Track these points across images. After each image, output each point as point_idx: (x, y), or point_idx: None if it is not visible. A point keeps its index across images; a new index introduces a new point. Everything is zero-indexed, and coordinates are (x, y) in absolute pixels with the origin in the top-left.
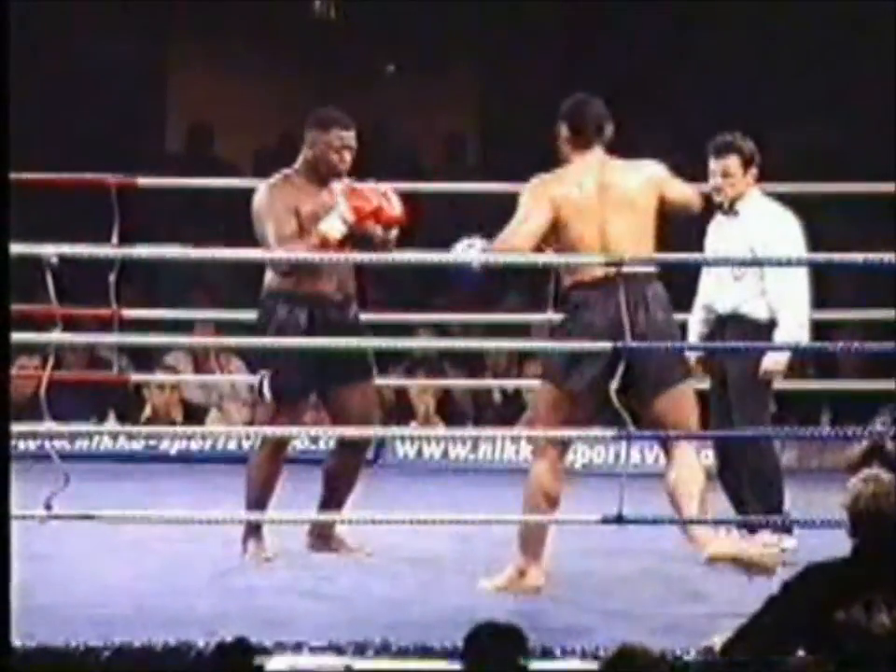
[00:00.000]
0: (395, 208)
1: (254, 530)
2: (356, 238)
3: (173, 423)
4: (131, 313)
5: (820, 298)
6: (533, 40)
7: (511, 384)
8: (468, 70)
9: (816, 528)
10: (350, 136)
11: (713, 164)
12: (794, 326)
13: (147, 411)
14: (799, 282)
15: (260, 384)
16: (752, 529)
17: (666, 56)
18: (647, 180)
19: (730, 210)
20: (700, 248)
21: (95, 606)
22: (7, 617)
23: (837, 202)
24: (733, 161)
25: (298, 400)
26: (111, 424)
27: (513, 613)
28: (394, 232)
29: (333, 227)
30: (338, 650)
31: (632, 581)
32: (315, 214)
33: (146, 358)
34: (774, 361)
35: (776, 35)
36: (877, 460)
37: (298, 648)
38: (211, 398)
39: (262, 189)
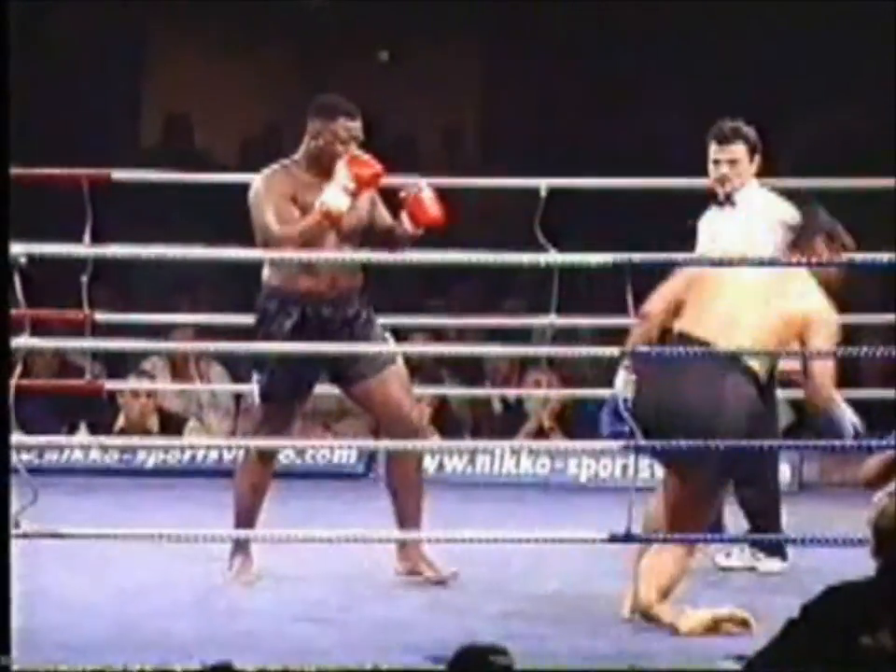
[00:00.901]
0: (427, 210)
1: (241, 547)
2: (369, 234)
3: (148, 433)
4: (104, 316)
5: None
6: (535, 25)
7: (511, 392)
8: (465, 59)
9: (838, 546)
10: (357, 127)
11: (717, 153)
12: None
13: (121, 420)
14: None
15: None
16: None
17: (682, 38)
18: None
19: (727, 202)
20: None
21: (66, 628)
22: (6, 626)
23: (864, 196)
24: (740, 149)
25: (285, 402)
26: (83, 435)
27: (516, 637)
28: (419, 231)
29: (336, 197)
30: None
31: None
32: (311, 204)
33: (120, 365)
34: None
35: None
36: None
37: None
38: (190, 407)
39: (258, 180)
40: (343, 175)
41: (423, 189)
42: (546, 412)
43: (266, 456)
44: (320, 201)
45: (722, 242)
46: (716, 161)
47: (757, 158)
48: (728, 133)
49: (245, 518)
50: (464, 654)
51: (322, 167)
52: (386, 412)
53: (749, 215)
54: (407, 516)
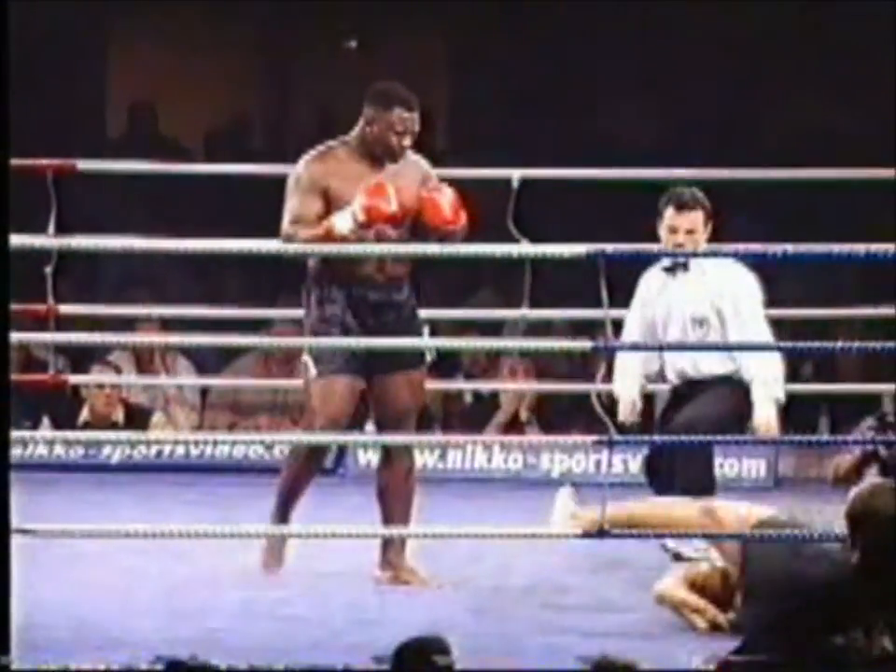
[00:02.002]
0: (441, 212)
1: (279, 541)
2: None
3: (114, 425)
4: (68, 309)
5: (819, 293)
6: (502, 11)
7: (485, 386)
8: (432, 45)
9: (814, 541)
10: (414, 119)
11: (676, 219)
12: (772, 380)
13: (85, 413)
14: (767, 335)
15: (305, 368)
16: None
17: (649, 30)
18: None
19: (679, 267)
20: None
21: (29, 627)
22: (6, 626)
23: (838, 187)
24: (698, 217)
25: (343, 373)
26: (46, 429)
27: (488, 634)
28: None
29: (342, 221)
30: None
31: (615, 598)
32: (349, 195)
33: (85, 359)
34: (767, 419)
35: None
36: (872, 469)
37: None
38: (156, 401)
39: (300, 164)
40: (358, 203)
41: (441, 190)
42: (523, 403)
43: (314, 454)
44: (329, 219)
45: (681, 303)
46: (673, 229)
47: (710, 224)
48: (688, 200)
49: (281, 515)
50: (405, 651)
51: (373, 155)
52: (390, 414)
53: (707, 275)
54: (393, 523)
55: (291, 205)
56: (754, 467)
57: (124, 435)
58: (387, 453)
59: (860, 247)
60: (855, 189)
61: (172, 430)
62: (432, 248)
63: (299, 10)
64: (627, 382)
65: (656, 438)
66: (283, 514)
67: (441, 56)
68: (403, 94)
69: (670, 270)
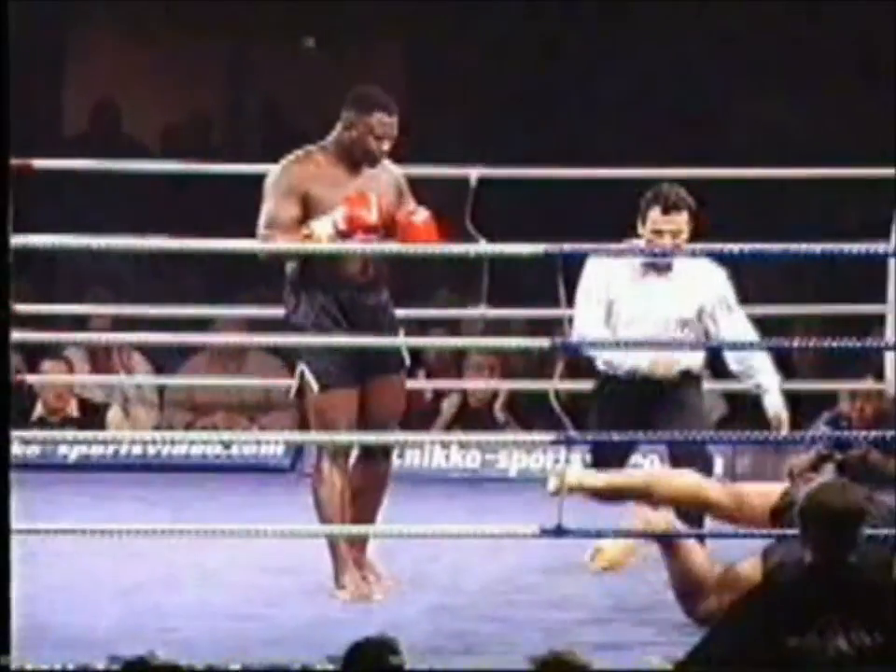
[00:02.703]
0: (419, 236)
1: (343, 565)
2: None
3: (68, 420)
4: (25, 308)
5: (774, 291)
6: (460, 11)
7: (443, 384)
8: (390, 43)
9: (772, 539)
10: (393, 124)
11: (662, 223)
12: (772, 367)
13: (39, 409)
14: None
15: (301, 377)
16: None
17: (613, 32)
18: None
19: (660, 266)
20: None
21: None
22: (6, 626)
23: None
24: (684, 218)
25: (344, 386)
26: None
27: (448, 634)
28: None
29: (322, 228)
30: None
31: (572, 595)
32: (328, 200)
33: (38, 355)
34: (781, 409)
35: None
36: (827, 468)
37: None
38: (112, 396)
39: (276, 167)
40: (340, 212)
41: (418, 214)
42: (497, 403)
43: (339, 452)
44: (309, 224)
45: (664, 304)
46: (658, 231)
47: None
48: (675, 201)
49: (339, 520)
50: (356, 652)
51: (351, 158)
52: (378, 419)
53: (691, 274)
54: (363, 519)
55: (268, 208)
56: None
57: (81, 433)
58: (366, 454)
59: (816, 246)
60: (812, 187)
61: (129, 426)
62: (392, 248)
63: (258, 8)
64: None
65: (614, 435)
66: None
67: (398, 55)
68: (384, 99)
69: (648, 268)
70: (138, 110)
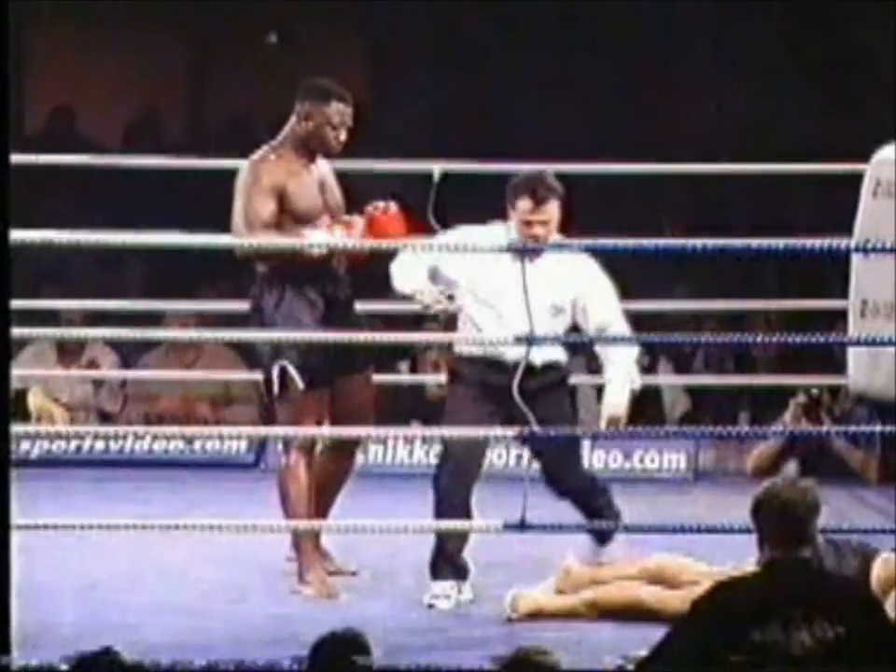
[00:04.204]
0: (384, 231)
1: (308, 560)
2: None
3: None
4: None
5: (737, 287)
6: (423, 7)
7: (407, 379)
8: (353, 39)
9: (734, 534)
10: (349, 113)
11: (531, 213)
12: (632, 362)
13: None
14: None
15: (281, 374)
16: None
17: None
18: None
19: (531, 253)
20: None
21: None
22: (6, 626)
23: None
24: (554, 208)
25: (325, 387)
26: None
27: (413, 630)
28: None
29: (318, 240)
30: None
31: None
32: (302, 194)
33: None
34: (616, 406)
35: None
36: (791, 459)
37: (172, 669)
38: (88, 396)
39: (247, 166)
40: (339, 233)
41: (388, 208)
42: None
43: (307, 448)
44: (307, 233)
45: (535, 291)
46: (527, 222)
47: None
48: (544, 193)
49: (307, 517)
50: (322, 649)
51: (309, 150)
52: (353, 413)
53: (561, 263)
54: (320, 512)
55: (247, 206)
56: (674, 460)
57: (44, 429)
58: (333, 450)
59: (778, 242)
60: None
61: (54, 410)
62: (368, 244)
63: (220, 4)
64: (413, 282)
65: (581, 430)
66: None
67: (361, 52)
68: (339, 89)
69: (521, 255)
70: (101, 110)
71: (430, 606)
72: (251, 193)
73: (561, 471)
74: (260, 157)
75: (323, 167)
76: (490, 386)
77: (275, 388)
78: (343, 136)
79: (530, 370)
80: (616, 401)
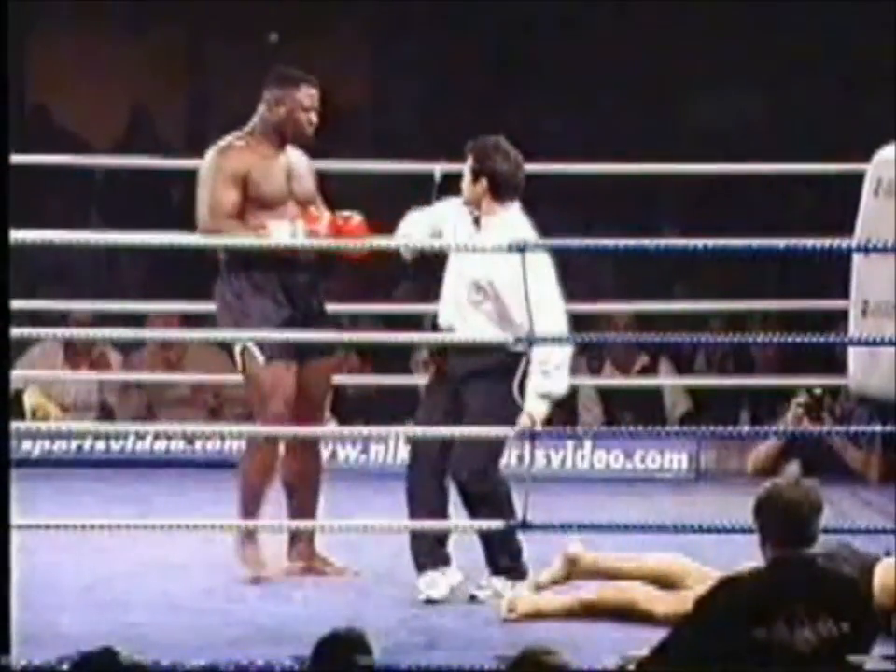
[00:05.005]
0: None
1: (250, 539)
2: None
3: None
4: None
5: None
6: (424, 5)
7: (405, 380)
8: (355, 39)
9: (735, 534)
10: (317, 96)
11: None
12: (549, 366)
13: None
14: (558, 320)
15: (242, 353)
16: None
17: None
18: None
19: (475, 223)
20: None
21: None
22: (6, 626)
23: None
24: (467, 164)
25: (290, 362)
26: None
27: (413, 630)
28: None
29: (280, 236)
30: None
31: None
32: (267, 181)
33: None
34: (538, 409)
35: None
36: (792, 458)
37: (173, 669)
38: (91, 395)
39: (210, 155)
40: (300, 227)
41: (351, 218)
42: None
43: (272, 446)
44: (270, 228)
45: (466, 264)
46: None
47: (483, 182)
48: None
49: (254, 505)
50: (325, 648)
51: (282, 136)
52: (312, 399)
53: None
54: (302, 513)
55: (210, 196)
56: (675, 460)
57: (44, 428)
58: (302, 443)
59: (778, 242)
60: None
61: (50, 409)
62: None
63: (221, 3)
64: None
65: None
66: (252, 511)
67: (363, 52)
68: (306, 75)
69: (475, 228)
70: (98, 106)
71: (427, 600)
72: (214, 182)
73: (458, 463)
74: (224, 145)
75: (293, 156)
76: (439, 371)
77: (239, 367)
78: (314, 118)
79: (459, 351)
80: (532, 404)
